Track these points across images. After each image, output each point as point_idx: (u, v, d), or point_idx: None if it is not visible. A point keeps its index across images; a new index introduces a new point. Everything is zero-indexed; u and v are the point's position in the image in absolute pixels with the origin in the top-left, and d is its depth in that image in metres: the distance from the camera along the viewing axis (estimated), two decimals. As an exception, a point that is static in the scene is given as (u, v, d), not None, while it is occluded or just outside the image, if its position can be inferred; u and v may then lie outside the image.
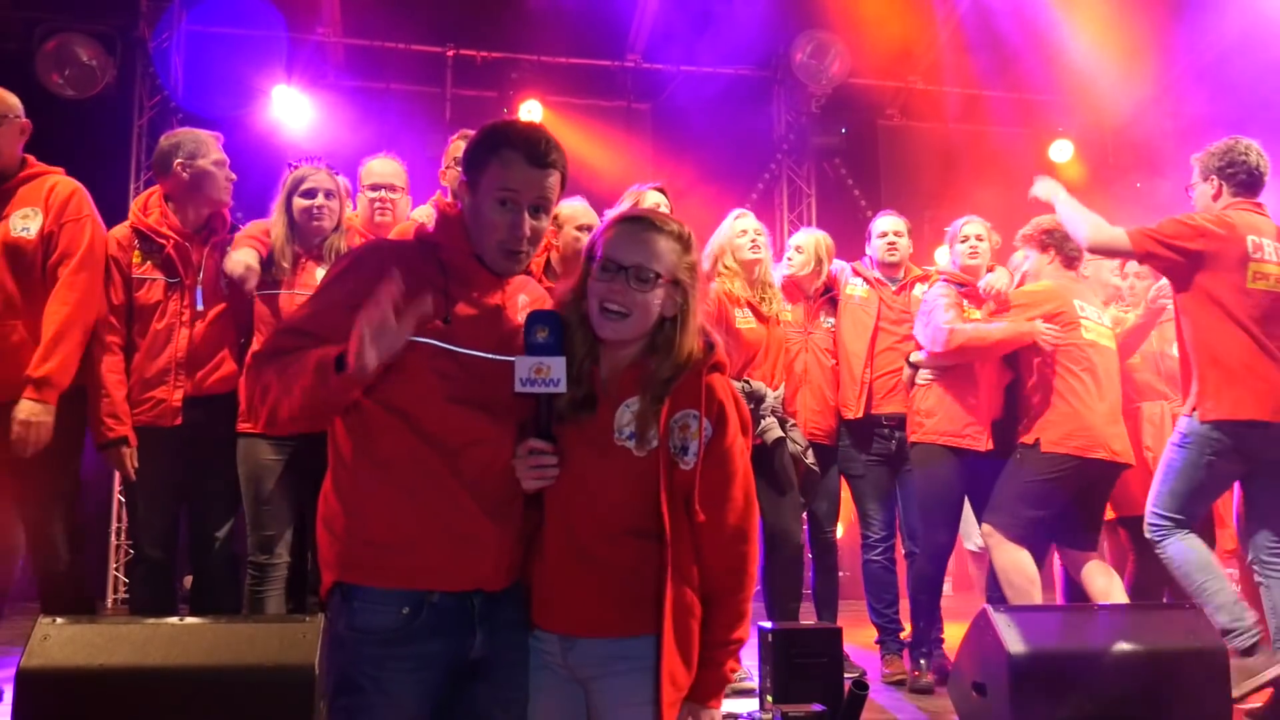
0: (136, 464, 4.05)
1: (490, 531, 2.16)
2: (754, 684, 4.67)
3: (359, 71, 9.10)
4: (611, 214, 2.31)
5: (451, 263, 2.22)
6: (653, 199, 4.56)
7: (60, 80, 7.98)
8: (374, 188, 4.51)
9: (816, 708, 3.64)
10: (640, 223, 2.26)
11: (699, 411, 2.18)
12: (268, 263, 4.12)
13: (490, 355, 2.17)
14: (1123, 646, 3.73)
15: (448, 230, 2.25)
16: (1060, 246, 5.00)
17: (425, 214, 4.53)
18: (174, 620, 3.15)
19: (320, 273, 4.05)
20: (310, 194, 4.14)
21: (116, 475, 7.37)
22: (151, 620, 3.16)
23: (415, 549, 2.11)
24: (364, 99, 8.91)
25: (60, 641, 3.00)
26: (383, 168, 4.55)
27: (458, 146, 4.39)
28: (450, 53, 9.28)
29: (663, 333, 2.23)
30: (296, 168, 4.23)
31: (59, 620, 3.06)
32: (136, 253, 4.13)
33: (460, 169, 2.29)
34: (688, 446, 2.17)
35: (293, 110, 8.61)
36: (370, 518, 2.13)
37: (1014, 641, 3.65)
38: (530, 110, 9.03)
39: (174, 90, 8.55)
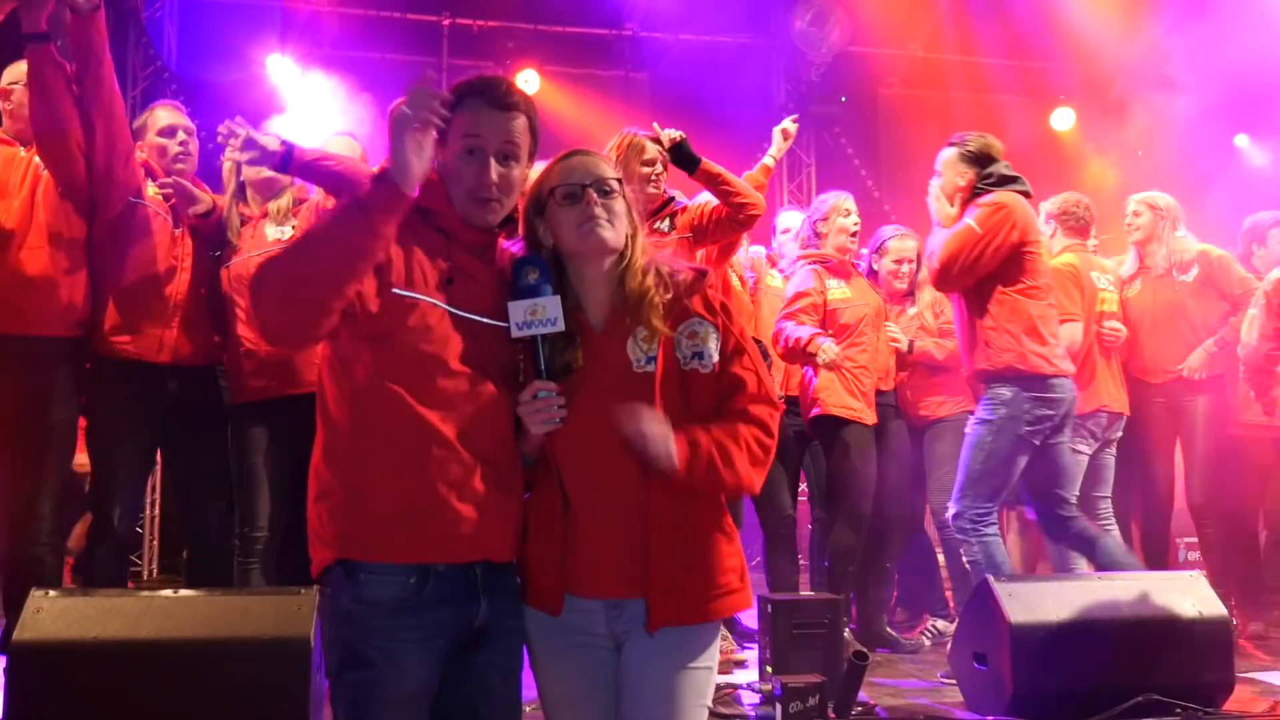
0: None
1: (497, 501, 2.13)
2: (744, 655, 4.68)
3: (353, 41, 9.01)
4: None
5: (447, 228, 2.19)
6: (653, 149, 4.44)
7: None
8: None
9: (816, 678, 3.64)
10: (574, 154, 2.28)
11: (704, 317, 2.22)
12: (222, 237, 4.17)
13: (493, 321, 2.15)
14: (1124, 615, 3.73)
15: (434, 196, 2.20)
16: (1061, 221, 5.26)
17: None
18: (168, 593, 3.14)
19: (271, 229, 4.10)
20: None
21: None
22: (145, 593, 3.16)
23: (421, 520, 2.07)
24: (359, 69, 8.81)
25: (53, 614, 2.99)
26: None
27: None
28: (446, 22, 9.21)
29: (625, 255, 2.24)
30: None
31: (52, 593, 3.05)
32: (150, 183, 4.14)
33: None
34: (702, 351, 2.20)
35: (286, 80, 8.53)
36: (372, 490, 2.07)
37: (1015, 611, 3.64)
38: (527, 80, 8.96)
39: (167, 60, 8.47)
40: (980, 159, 4.48)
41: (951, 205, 4.54)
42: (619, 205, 2.22)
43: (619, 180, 2.25)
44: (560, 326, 2.12)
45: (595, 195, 2.19)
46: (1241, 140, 9.58)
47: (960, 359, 4.67)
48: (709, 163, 4.34)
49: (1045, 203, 5.37)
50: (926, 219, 5.48)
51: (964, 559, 4.42)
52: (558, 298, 2.12)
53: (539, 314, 2.10)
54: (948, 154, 4.58)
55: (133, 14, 8.33)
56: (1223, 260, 5.50)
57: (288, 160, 3.84)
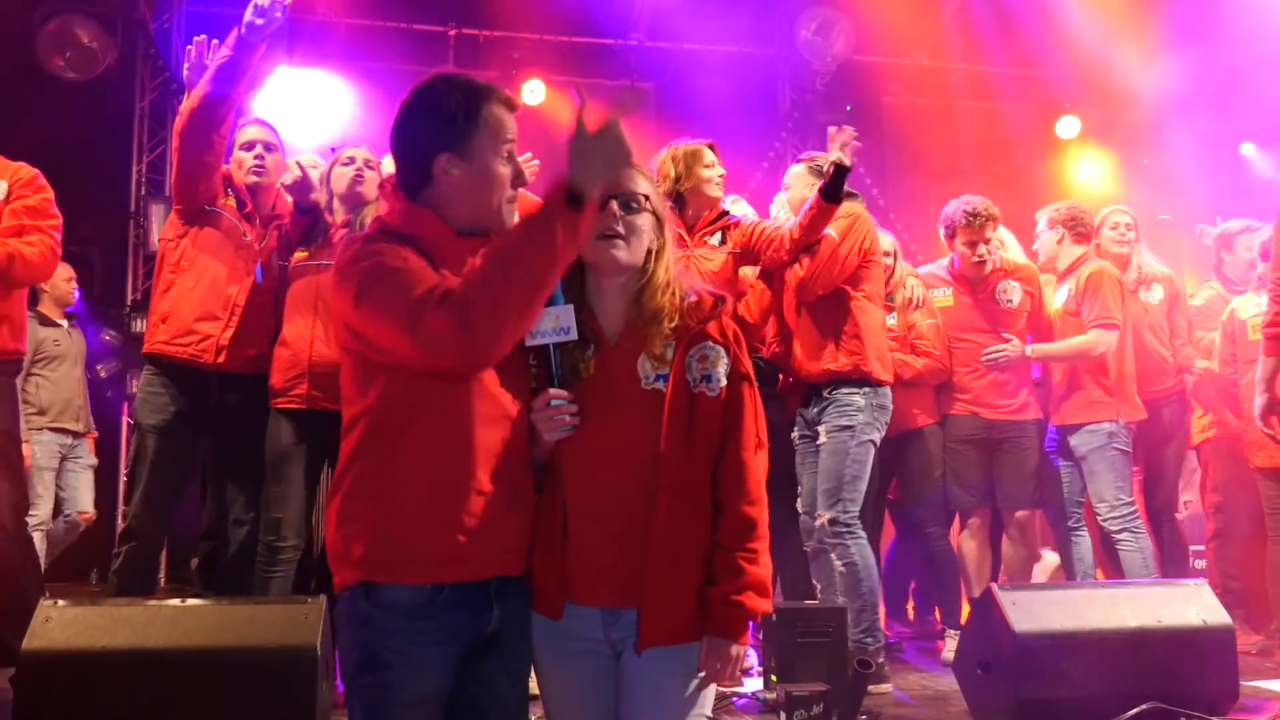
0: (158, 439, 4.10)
1: (513, 518, 2.16)
2: (749, 662, 4.67)
3: (360, 51, 9.04)
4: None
5: (435, 251, 2.15)
6: (710, 155, 4.49)
7: (61, 63, 7.90)
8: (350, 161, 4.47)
9: (821, 686, 3.65)
10: None
11: (716, 341, 2.24)
12: (308, 237, 4.28)
13: None
14: (1128, 623, 3.73)
15: (418, 219, 2.16)
16: (1070, 228, 5.30)
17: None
18: (176, 602, 3.16)
19: None
20: (349, 161, 4.35)
21: (123, 454, 7.38)
22: (153, 602, 3.18)
23: (444, 544, 2.09)
24: (366, 79, 8.85)
25: (62, 623, 3.01)
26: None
27: None
28: (452, 32, 9.23)
29: (644, 270, 2.26)
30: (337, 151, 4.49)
31: (60, 602, 3.07)
32: (229, 193, 4.30)
33: (428, 147, 2.16)
34: (710, 374, 2.21)
35: (294, 91, 8.56)
36: (395, 515, 2.09)
37: (1019, 620, 3.64)
38: (533, 90, 8.98)
39: (176, 72, 8.50)
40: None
41: (797, 215, 4.58)
42: (643, 221, 2.24)
43: (647, 196, 2.25)
44: (574, 336, 2.15)
45: (618, 208, 2.21)
46: (1247, 149, 9.58)
47: (798, 365, 4.64)
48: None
49: (1046, 210, 5.41)
50: (934, 227, 5.51)
51: (839, 563, 4.42)
52: (570, 307, 2.15)
53: (553, 323, 2.13)
54: (797, 169, 4.84)
55: (141, 26, 8.39)
56: (1180, 300, 5.73)
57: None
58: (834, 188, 4.24)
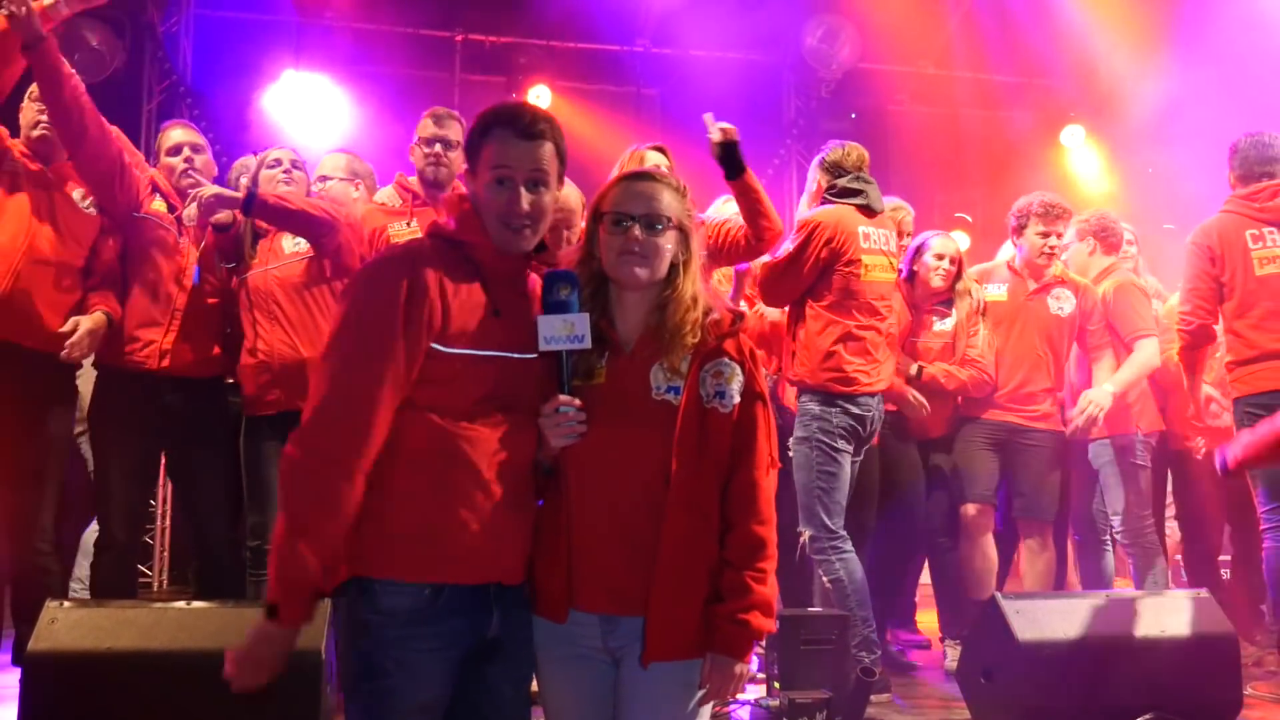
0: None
1: (513, 523, 2.17)
2: (750, 670, 4.66)
3: (367, 56, 9.06)
4: (612, 176, 2.35)
5: (482, 260, 2.22)
6: (654, 158, 4.31)
7: (69, 64, 7.92)
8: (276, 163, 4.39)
9: (823, 694, 3.65)
10: (642, 177, 2.35)
11: (732, 358, 2.24)
12: (240, 250, 4.19)
13: (523, 354, 2.19)
14: (1132, 633, 3.73)
15: (469, 226, 2.24)
16: (1101, 239, 5.31)
17: (388, 195, 4.65)
18: (181, 604, 3.16)
19: (288, 242, 4.14)
20: (275, 164, 4.26)
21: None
22: (159, 604, 3.18)
23: (439, 542, 2.10)
24: (372, 84, 8.86)
25: (67, 625, 3.02)
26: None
27: (425, 125, 4.59)
28: (459, 38, 9.25)
29: (670, 282, 2.29)
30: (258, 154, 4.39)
31: (66, 604, 3.08)
32: (157, 197, 4.19)
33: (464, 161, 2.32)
34: (724, 390, 2.22)
35: (301, 95, 8.57)
36: (393, 510, 2.10)
37: (1023, 629, 3.64)
38: (539, 96, 9.00)
39: (183, 74, 8.53)
40: (832, 169, 4.56)
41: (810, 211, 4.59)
42: (665, 240, 2.26)
43: (670, 218, 2.26)
44: (587, 344, 2.16)
45: (639, 231, 2.23)
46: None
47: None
48: (752, 174, 4.09)
49: (1076, 219, 5.33)
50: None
51: (824, 579, 4.39)
52: (586, 315, 2.16)
53: (568, 330, 2.15)
54: (814, 160, 4.71)
55: (149, 29, 8.40)
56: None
57: (250, 204, 3.96)
58: (728, 164, 4.06)
